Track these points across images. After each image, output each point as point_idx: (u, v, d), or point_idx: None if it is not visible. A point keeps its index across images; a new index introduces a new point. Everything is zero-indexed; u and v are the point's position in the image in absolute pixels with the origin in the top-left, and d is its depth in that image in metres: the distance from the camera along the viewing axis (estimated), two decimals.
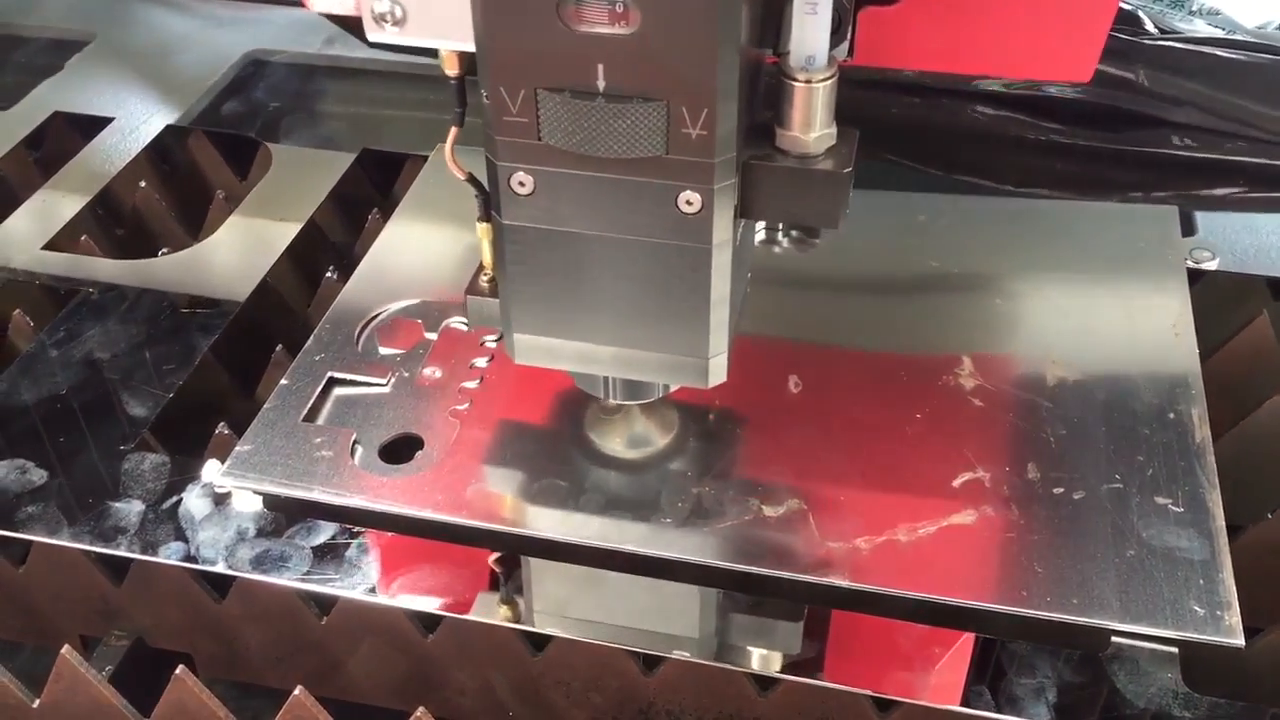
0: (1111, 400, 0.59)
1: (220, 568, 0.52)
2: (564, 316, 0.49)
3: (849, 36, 0.47)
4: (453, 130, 0.47)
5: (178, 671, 0.48)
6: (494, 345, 0.62)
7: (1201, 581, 0.51)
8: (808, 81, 0.43)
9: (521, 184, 0.45)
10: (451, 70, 0.46)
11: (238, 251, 0.69)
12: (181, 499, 0.55)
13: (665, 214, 0.44)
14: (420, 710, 0.47)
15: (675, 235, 0.45)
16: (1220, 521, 0.53)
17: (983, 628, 0.51)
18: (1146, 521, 0.53)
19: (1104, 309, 0.65)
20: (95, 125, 0.80)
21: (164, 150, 0.80)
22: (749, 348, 0.61)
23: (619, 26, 0.40)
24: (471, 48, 0.42)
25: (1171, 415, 0.58)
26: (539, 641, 0.53)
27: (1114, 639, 0.50)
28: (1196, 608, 0.50)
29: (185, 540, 0.53)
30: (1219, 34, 0.80)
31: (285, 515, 0.55)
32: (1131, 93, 0.77)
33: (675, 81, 0.41)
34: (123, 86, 0.84)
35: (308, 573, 0.52)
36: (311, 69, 0.87)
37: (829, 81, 0.44)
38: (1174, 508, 0.54)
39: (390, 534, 0.55)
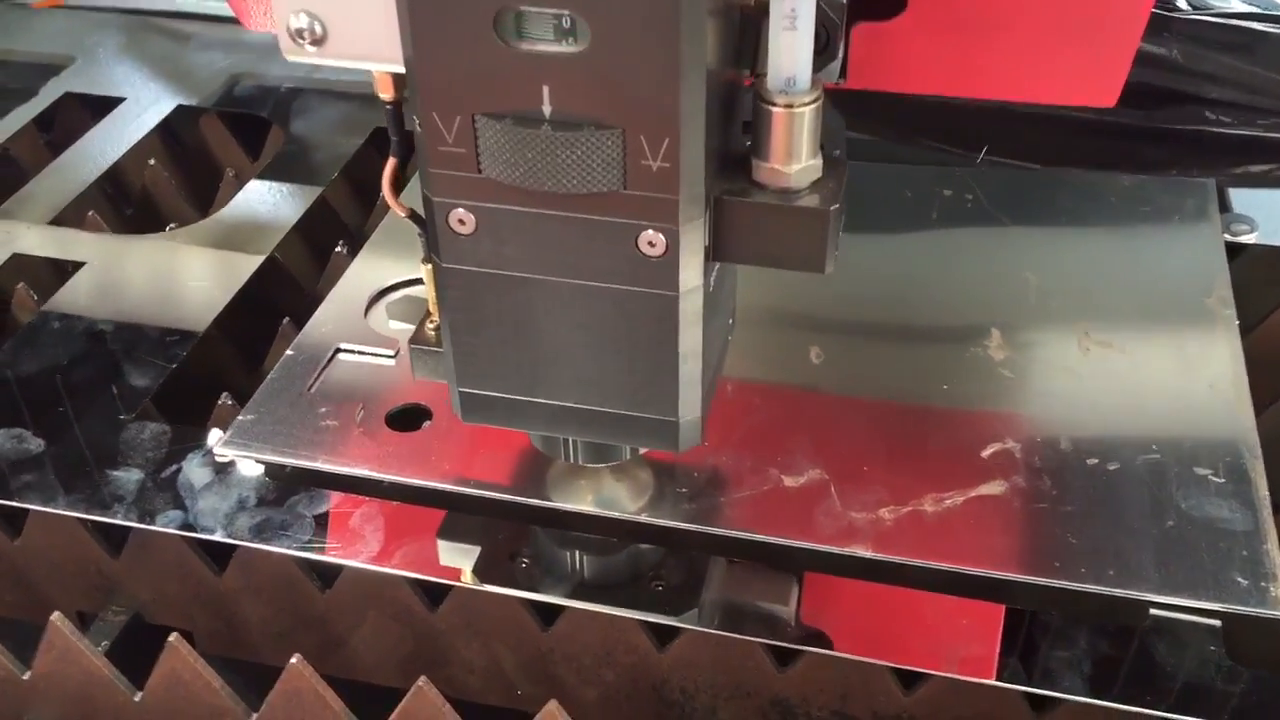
0: (1148, 371, 0.57)
1: (219, 536, 0.50)
2: (514, 372, 0.44)
3: (840, 56, 0.40)
4: (390, 162, 0.42)
5: (171, 639, 0.47)
6: None
7: (1245, 553, 0.48)
8: (788, 106, 0.38)
9: (461, 222, 0.40)
10: (386, 94, 0.41)
11: (245, 227, 0.68)
12: (181, 468, 0.53)
13: (625, 257, 0.39)
14: (422, 680, 0.45)
15: (637, 281, 0.40)
16: (1264, 492, 0.50)
17: (1014, 600, 0.48)
18: (1186, 493, 0.51)
19: (1139, 281, 0.62)
20: (107, 106, 0.79)
21: (175, 130, 0.79)
22: (767, 320, 0.60)
23: (566, 44, 0.35)
24: (402, 69, 0.38)
25: (1210, 386, 0.56)
26: (549, 615, 0.51)
27: (1153, 611, 0.48)
28: (1239, 579, 0.47)
29: (184, 509, 0.51)
30: (1254, 9, 0.78)
31: (287, 485, 0.53)
32: (1165, 69, 0.75)
33: (632, 106, 0.36)
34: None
35: (309, 541, 0.50)
36: None
37: (813, 107, 0.38)
38: (1215, 478, 0.51)
39: (397, 504, 0.53)
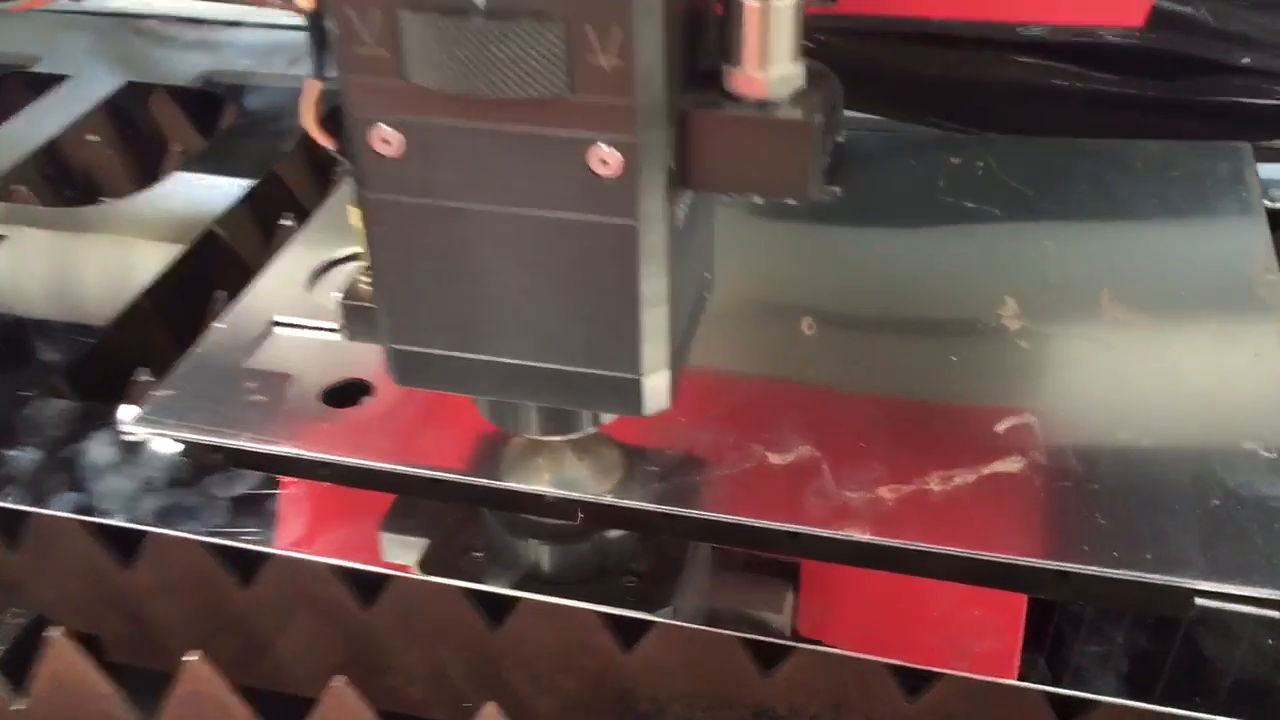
0: (1184, 340, 0.50)
1: (118, 520, 0.44)
2: (454, 324, 0.38)
3: None
4: (310, 85, 0.36)
5: (52, 635, 0.40)
6: None
7: None
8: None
9: (385, 142, 0.34)
10: (302, 1, 0.35)
11: (185, 201, 0.62)
12: (84, 447, 0.47)
13: (574, 178, 0.34)
14: (337, 679, 0.38)
15: (589, 208, 0.34)
16: None
17: (1036, 589, 0.42)
18: (1232, 469, 0.44)
19: (1170, 247, 0.56)
20: (51, 84, 0.74)
21: (122, 108, 0.73)
22: (753, 290, 0.53)
23: None
24: None
25: (1256, 354, 0.49)
26: (499, 611, 0.44)
27: (1199, 601, 0.41)
28: None
29: (83, 491, 0.45)
30: None
31: (202, 466, 0.47)
32: (1190, 34, 0.69)
33: None
34: None
35: (221, 527, 0.44)
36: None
37: (791, 1, 0.33)
38: (1264, 453, 0.45)
39: (327, 486, 0.46)
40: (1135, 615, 0.41)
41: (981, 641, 0.40)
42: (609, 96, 0.32)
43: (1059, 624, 0.41)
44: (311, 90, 0.36)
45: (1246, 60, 0.69)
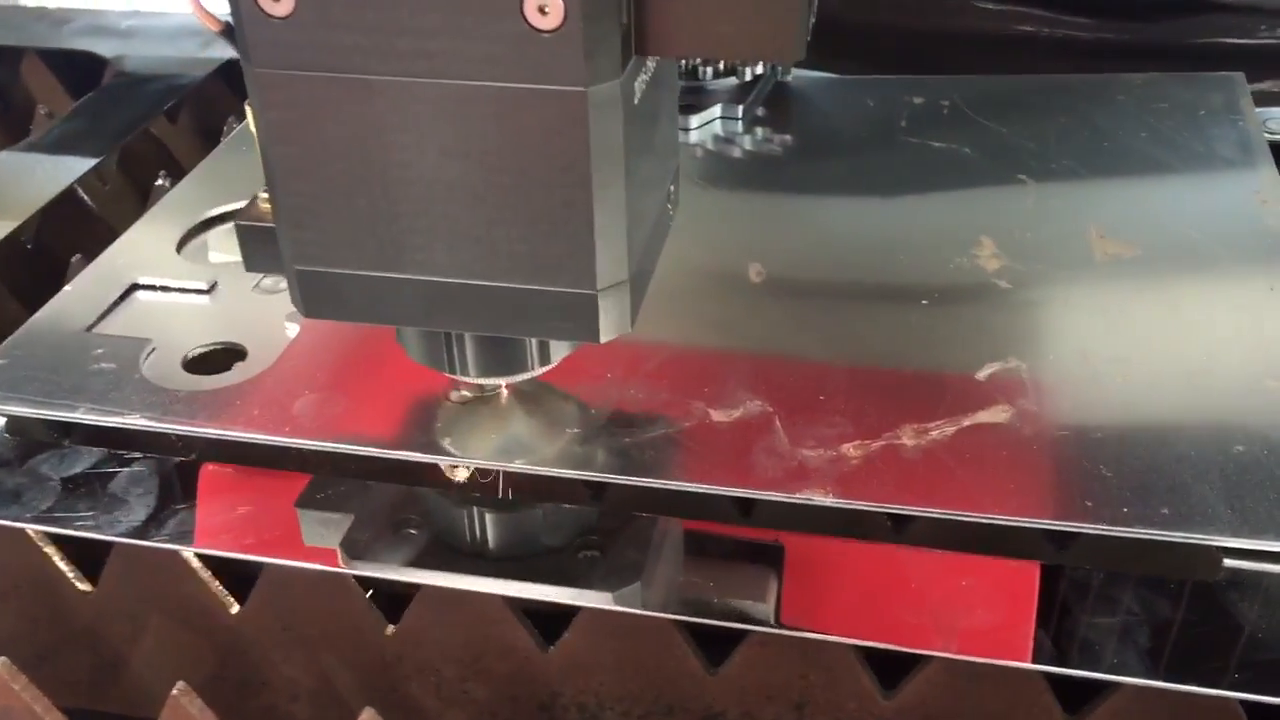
0: (1187, 276, 0.44)
1: None
2: (368, 235, 0.31)
3: None
4: None
5: None
6: None
7: None
8: None
9: None
10: None
11: (45, 162, 0.54)
12: None
13: (508, 33, 0.27)
14: (179, 686, 0.31)
15: (526, 73, 0.27)
16: None
17: (1032, 552, 0.35)
18: (1253, 409, 0.37)
19: (1164, 178, 0.50)
20: None
21: None
22: (703, 244, 0.46)
23: None
24: None
25: (1274, 288, 0.43)
26: (392, 604, 0.37)
27: (1227, 562, 0.34)
28: None
29: None
30: None
31: (32, 444, 0.39)
32: None
33: None
34: None
35: (48, 510, 0.36)
36: None
37: None
38: None
39: (185, 464, 0.39)
40: (1151, 581, 0.34)
41: (988, 618, 0.33)
42: None
43: (1063, 595, 0.34)
44: None
45: None
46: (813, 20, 0.29)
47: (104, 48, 0.65)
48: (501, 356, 0.35)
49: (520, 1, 0.26)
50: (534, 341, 0.34)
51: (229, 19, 0.29)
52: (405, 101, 0.28)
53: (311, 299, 0.32)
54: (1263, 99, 0.61)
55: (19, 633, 0.40)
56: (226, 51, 0.64)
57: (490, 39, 0.27)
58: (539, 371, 0.35)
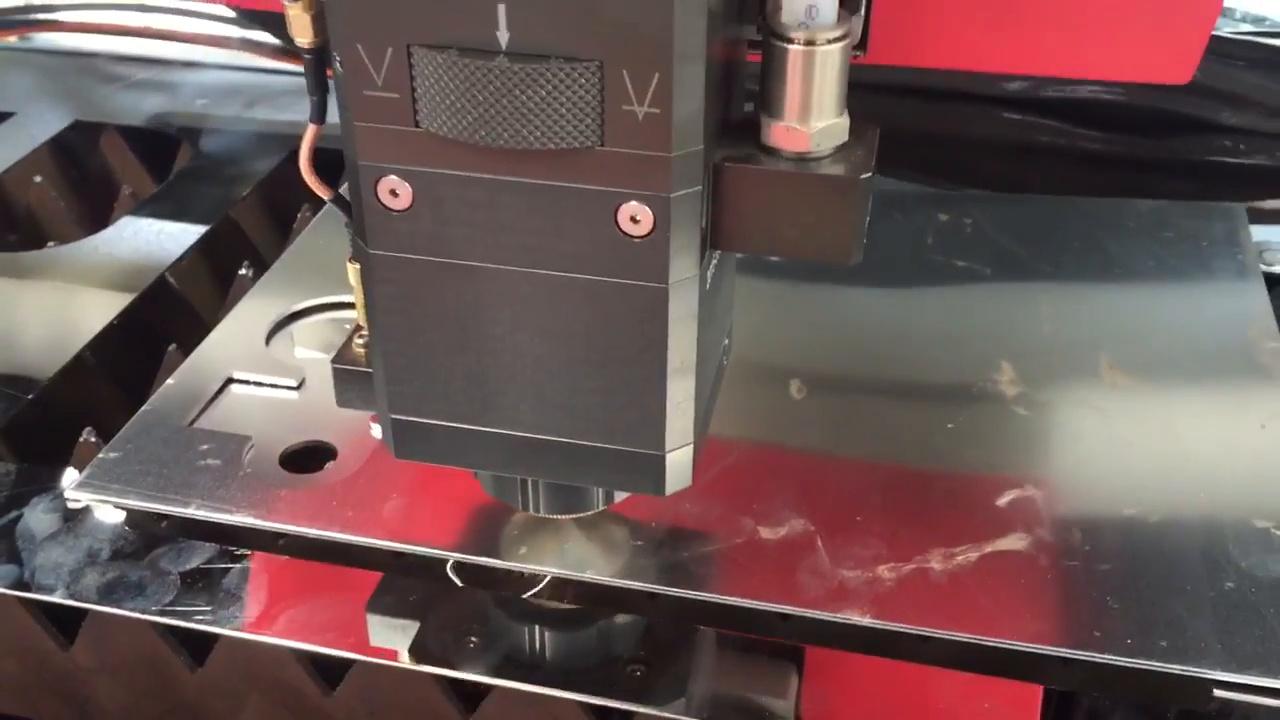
0: (1187, 409, 0.48)
1: (58, 596, 0.40)
2: (460, 393, 0.35)
3: (861, 11, 0.33)
4: (310, 129, 0.33)
5: None
6: None
7: None
8: (809, 44, 0.30)
9: (394, 194, 0.31)
10: (303, 37, 0.32)
11: (135, 248, 0.59)
12: (22, 514, 0.43)
13: (601, 237, 0.31)
14: None
15: (616, 270, 0.31)
16: None
17: (1044, 678, 0.39)
18: (1245, 548, 0.42)
19: (1167, 310, 0.54)
20: None
21: (70, 148, 0.70)
22: (741, 349, 0.51)
23: None
24: None
25: (1262, 425, 0.47)
26: (472, 695, 0.41)
27: (1217, 692, 0.38)
28: None
29: (19, 563, 0.41)
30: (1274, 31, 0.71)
31: (151, 536, 0.43)
32: (1178, 91, 0.67)
33: (611, 30, 0.28)
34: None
35: (171, 604, 0.40)
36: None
37: (838, 46, 0.31)
38: (1276, 531, 0.43)
39: (288, 559, 0.43)
40: (1145, 706, 0.38)
41: None
42: (643, 148, 0.29)
43: (1062, 714, 0.39)
44: (310, 136, 0.33)
45: (1234, 120, 0.68)
46: (868, 218, 0.33)
47: (179, 121, 0.70)
48: (570, 499, 0.39)
49: (614, 211, 0.30)
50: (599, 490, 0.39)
51: (341, 191, 0.34)
52: (504, 286, 0.32)
53: (405, 444, 0.36)
54: (1258, 216, 0.66)
55: (127, 703, 0.44)
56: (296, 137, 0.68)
57: (585, 240, 0.31)
58: (601, 509, 0.40)
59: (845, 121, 0.32)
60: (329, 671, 0.41)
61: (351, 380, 0.37)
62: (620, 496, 0.40)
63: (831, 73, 0.31)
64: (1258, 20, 0.76)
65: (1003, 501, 0.44)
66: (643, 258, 0.31)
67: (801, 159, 0.32)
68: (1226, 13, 0.77)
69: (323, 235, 0.59)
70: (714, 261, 0.34)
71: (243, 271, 0.57)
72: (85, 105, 0.72)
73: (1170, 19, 0.40)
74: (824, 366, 0.51)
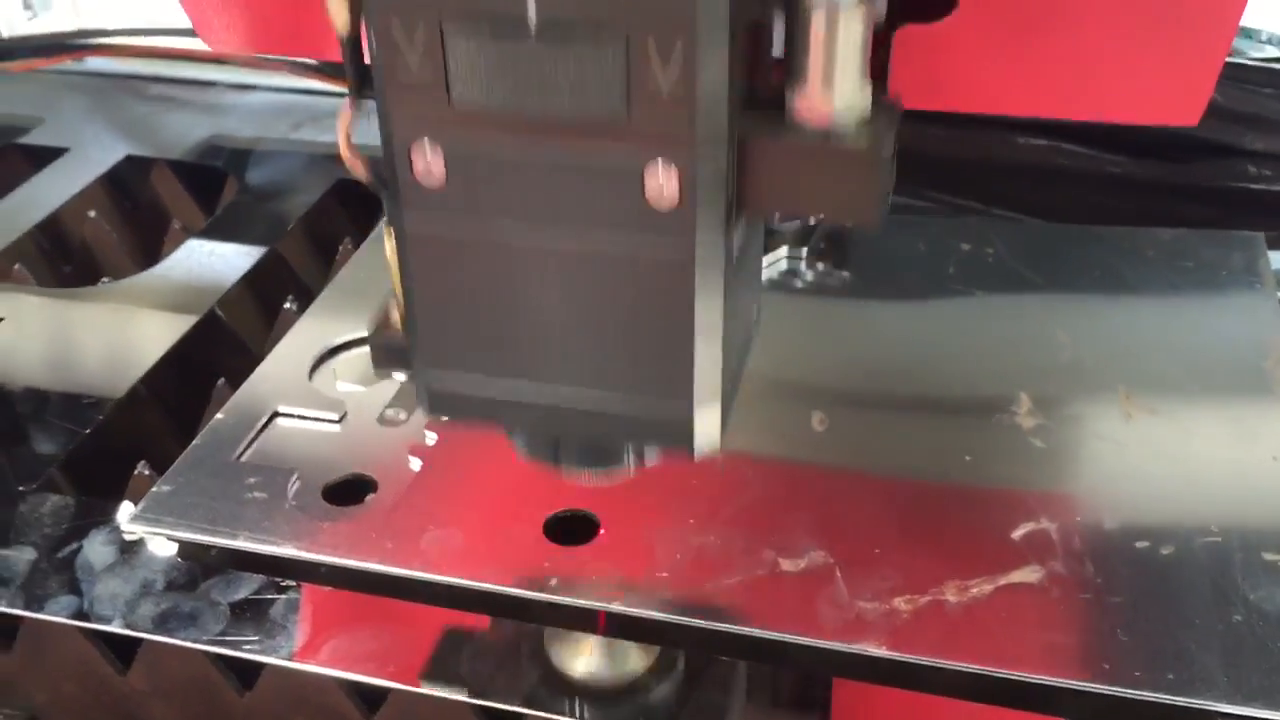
0: (1201, 441, 0.49)
1: (115, 626, 0.43)
2: (493, 360, 0.36)
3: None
4: (345, 107, 0.35)
5: None
6: None
7: None
8: (831, 9, 0.31)
9: (428, 167, 0.33)
10: (341, 23, 0.33)
11: (185, 281, 0.61)
12: (81, 546, 0.46)
13: (629, 208, 0.32)
14: None
15: (643, 238, 0.33)
16: None
17: (1055, 709, 0.41)
18: (1254, 581, 0.43)
19: (1185, 341, 0.55)
20: (52, 157, 0.73)
21: (123, 181, 0.72)
22: (762, 384, 0.53)
23: None
24: None
25: (1274, 458, 0.48)
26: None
27: None
28: None
29: (79, 594, 0.44)
30: None
31: (202, 567, 0.45)
32: (1204, 116, 0.68)
33: (638, 5, 0.29)
34: None
35: (222, 633, 0.42)
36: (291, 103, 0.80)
37: (860, 11, 0.31)
38: None
39: (330, 589, 0.45)
40: None
41: None
42: (668, 120, 0.30)
43: None
44: (345, 116, 0.35)
45: (1258, 145, 0.68)
46: (892, 188, 0.34)
47: (225, 158, 0.72)
48: (600, 459, 0.40)
49: (642, 185, 0.32)
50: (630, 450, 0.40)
51: (375, 169, 0.35)
52: (534, 256, 0.34)
53: (439, 403, 0.38)
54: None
55: None
56: (339, 171, 0.71)
57: (613, 211, 0.32)
58: (631, 470, 0.41)
59: (868, 93, 0.33)
60: (370, 697, 0.43)
61: (386, 347, 0.39)
62: (650, 459, 0.41)
63: (853, 41, 0.32)
64: None
65: (1018, 534, 0.45)
66: (669, 227, 0.32)
67: (825, 132, 0.32)
68: (1251, 34, 0.78)
69: (362, 268, 0.61)
70: (740, 228, 0.35)
71: (287, 305, 0.60)
72: (137, 135, 0.74)
73: (1178, 66, 0.41)
74: (845, 397, 0.52)
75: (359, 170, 0.35)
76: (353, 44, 0.34)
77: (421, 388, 0.38)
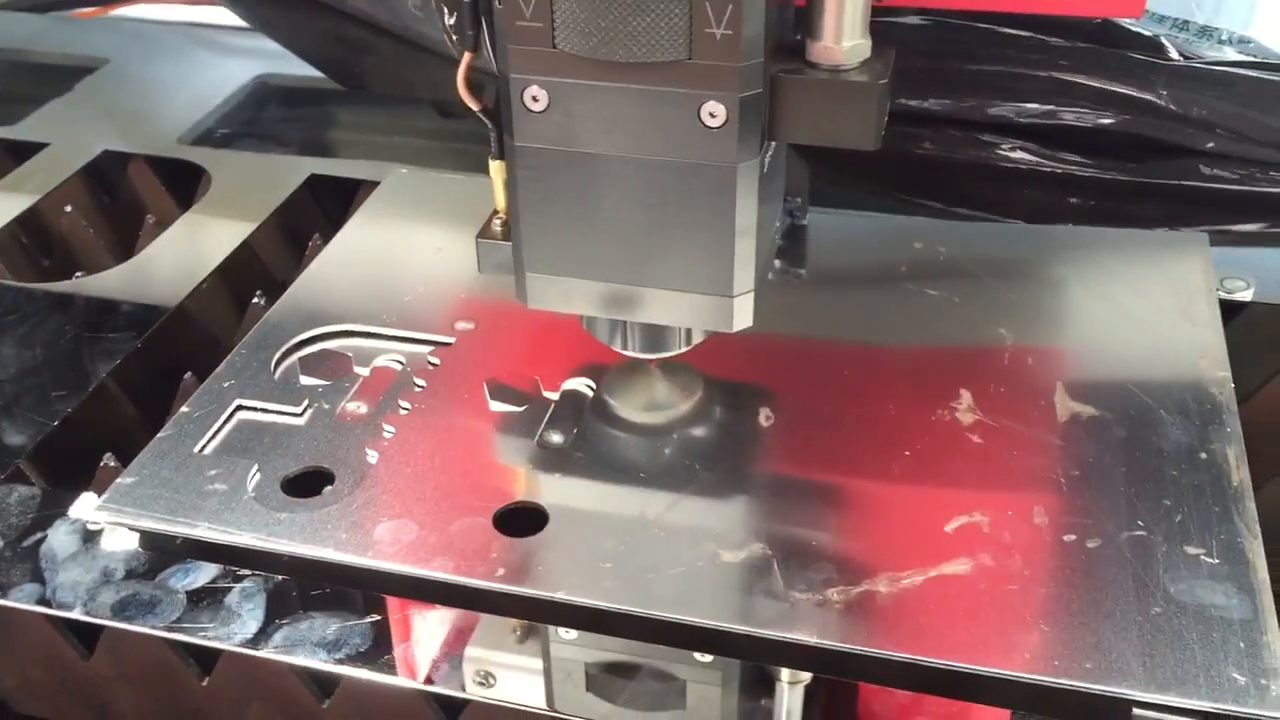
0: (1132, 438, 0.51)
1: (76, 613, 0.44)
2: (580, 253, 0.46)
3: None
4: (465, 56, 0.44)
5: None
6: (422, 388, 0.55)
7: (1242, 644, 0.42)
8: None
9: (535, 99, 0.42)
10: None
11: (157, 276, 0.63)
12: (45, 536, 0.47)
13: (687, 129, 0.42)
14: None
15: (698, 153, 0.42)
16: (1264, 575, 0.44)
17: (978, 696, 0.42)
18: (1175, 574, 0.45)
19: (1123, 339, 0.57)
20: (30, 150, 0.74)
21: (102, 175, 0.74)
22: (711, 381, 0.54)
23: None
24: None
25: (1204, 455, 0.50)
26: (455, 706, 0.45)
27: (1137, 711, 0.41)
28: (1236, 675, 0.41)
29: (42, 582, 0.46)
30: (1251, 57, 0.73)
31: (161, 557, 0.47)
32: (1155, 118, 0.70)
33: None
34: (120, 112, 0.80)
35: (177, 620, 0.44)
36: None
37: None
38: (1207, 559, 0.45)
39: (284, 579, 0.47)
40: None
41: None
42: (720, 60, 0.40)
43: None
44: (466, 61, 0.44)
45: (1210, 144, 0.70)
46: (886, 118, 0.43)
47: (203, 157, 0.74)
48: (657, 339, 0.49)
49: (698, 108, 0.41)
50: (682, 331, 0.49)
51: (486, 104, 0.45)
52: (615, 167, 0.43)
53: (537, 296, 0.47)
54: (1235, 238, 0.68)
55: (145, 710, 0.48)
56: (312, 164, 0.72)
57: (676, 132, 0.42)
58: (684, 350, 0.50)
59: (868, 43, 0.42)
60: (325, 682, 0.45)
61: (491, 251, 0.48)
62: (697, 339, 0.50)
63: (858, 4, 0.41)
64: (1243, 42, 0.78)
65: (950, 528, 0.47)
66: (718, 144, 0.42)
67: (835, 70, 0.42)
68: (1211, 33, 0.80)
69: (329, 265, 0.63)
70: (770, 150, 0.44)
71: (256, 300, 0.61)
72: (116, 131, 0.76)
73: None
74: (793, 397, 0.54)
75: (474, 104, 0.45)
76: (472, 6, 0.43)
77: (522, 285, 0.47)
